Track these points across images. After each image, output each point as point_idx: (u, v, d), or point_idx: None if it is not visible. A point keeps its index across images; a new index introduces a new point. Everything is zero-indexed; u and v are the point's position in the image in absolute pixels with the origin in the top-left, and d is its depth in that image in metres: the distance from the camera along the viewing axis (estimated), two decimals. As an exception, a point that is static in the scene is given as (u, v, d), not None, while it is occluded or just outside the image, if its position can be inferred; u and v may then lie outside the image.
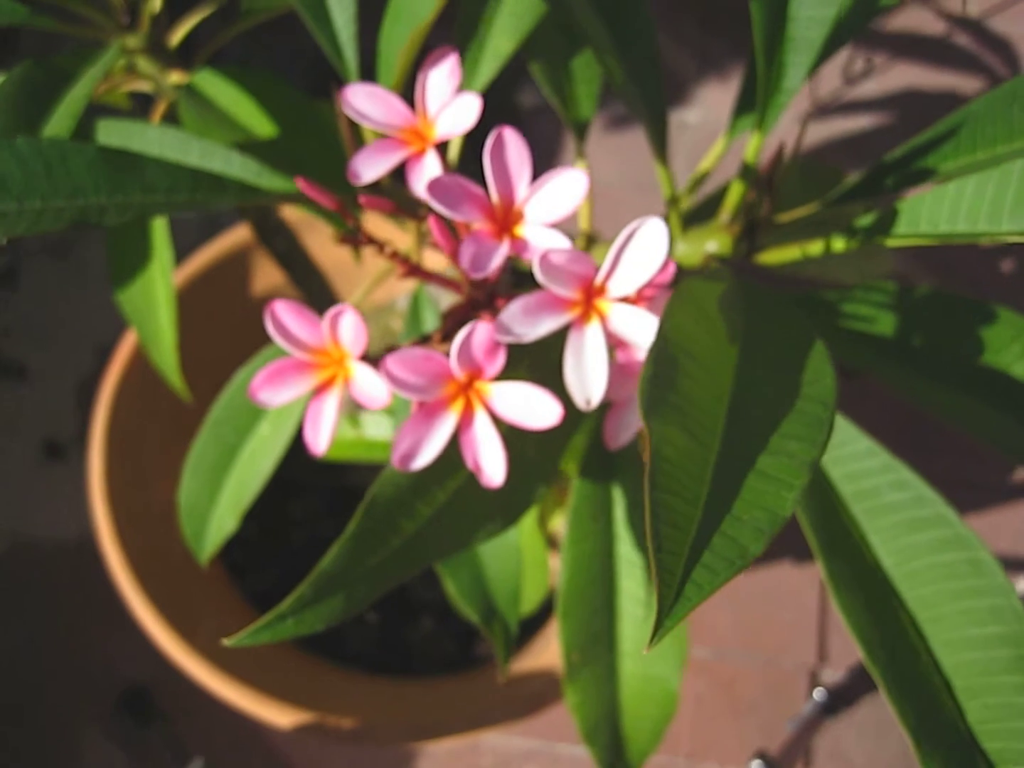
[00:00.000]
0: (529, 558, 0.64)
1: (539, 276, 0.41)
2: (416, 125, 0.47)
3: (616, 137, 1.36)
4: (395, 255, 0.50)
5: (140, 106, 0.83)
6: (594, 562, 0.64)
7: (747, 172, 0.56)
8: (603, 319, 0.43)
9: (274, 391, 0.47)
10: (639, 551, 0.64)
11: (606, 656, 0.64)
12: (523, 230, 0.44)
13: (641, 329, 0.42)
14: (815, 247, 0.54)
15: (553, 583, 1.00)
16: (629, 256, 0.42)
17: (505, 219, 0.44)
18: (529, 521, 0.67)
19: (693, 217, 0.63)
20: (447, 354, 0.43)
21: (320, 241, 0.93)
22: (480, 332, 0.42)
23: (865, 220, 0.52)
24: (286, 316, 0.46)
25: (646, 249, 0.42)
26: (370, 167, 0.45)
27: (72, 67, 0.69)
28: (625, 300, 0.43)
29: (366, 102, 0.46)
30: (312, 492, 1.09)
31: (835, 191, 0.59)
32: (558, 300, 0.42)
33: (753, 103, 0.59)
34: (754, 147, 0.55)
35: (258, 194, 0.54)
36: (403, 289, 0.75)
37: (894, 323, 0.60)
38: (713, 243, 0.57)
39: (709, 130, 1.37)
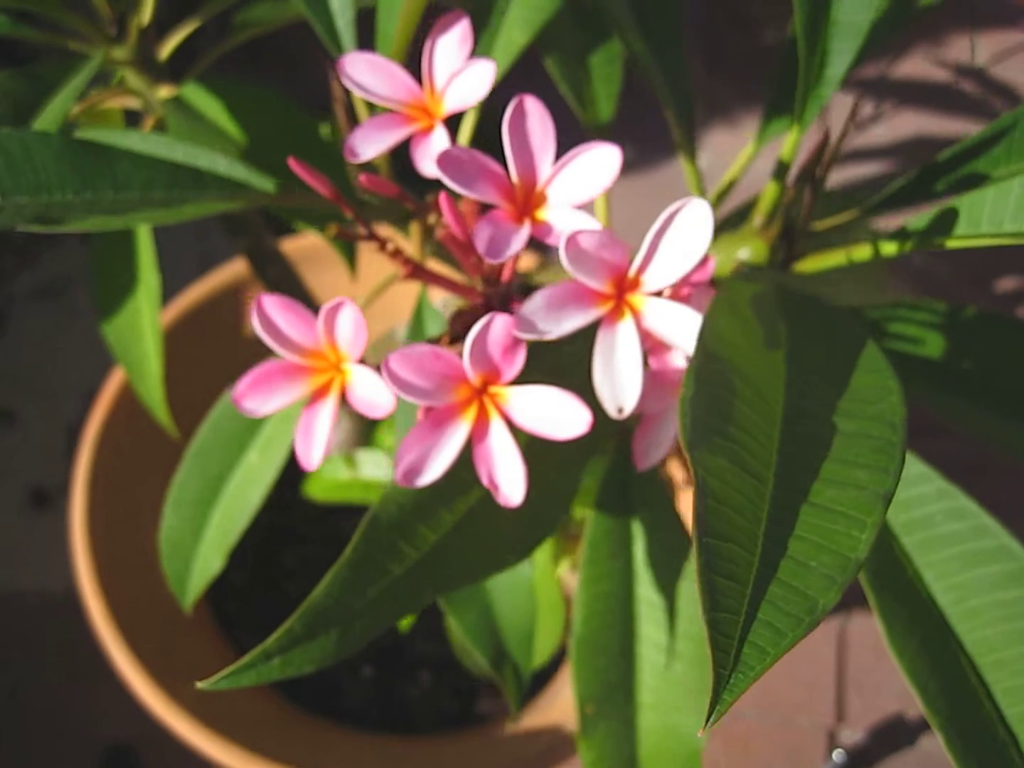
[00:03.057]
0: (543, 599, 0.57)
1: (566, 263, 0.35)
2: (422, 100, 0.41)
3: (637, 140, 1.31)
4: (397, 253, 0.44)
5: (130, 126, 0.78)
6: (611, 604, 0.57)
7: (783, 171, 0.50)
8: (636, 316, 0.37)
9: (261, 399, 0.41)
10: (660, 592, 0.58)
11: (624, 708, 0.57)
12: (546, 214, 0.38)
13: (681, 328, 0.36)
14: (862, 251, 0.48)
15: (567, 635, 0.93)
16: (668, 243, 0.36)
17: (526, 201, 0.38)
18: (543, 557, 0.60)
19: (720, 228, 0.57)
20: (459, 354, 0.37)
21: (316, 275, 0.87)
22: (498, 326, 0.36)
23: (919, 222, 0.47)
24: (275, 312, 0.40)
25: (687, 235, 0.36)
26: (369, 144, 0.40)
27: (54, 78, 0.64)
28: (660, 296, 0.37)
29: (366, 73, 0.41)
30: (307, 541, 1.03)
31: (877, 196, 0.53)
32: (587, 293, 0.36)
33: (784, 104, 0.54)
34: (791, 143, 0.49)
35: (243, 190, 0.48)
36: (403, 311, 0.69)
37: (943, 345, 0.54)
38: (745, 250, 0.52)
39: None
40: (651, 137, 1.23)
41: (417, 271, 0.45)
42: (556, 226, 0.37)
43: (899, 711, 1.09)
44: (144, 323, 0.73)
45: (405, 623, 0.86)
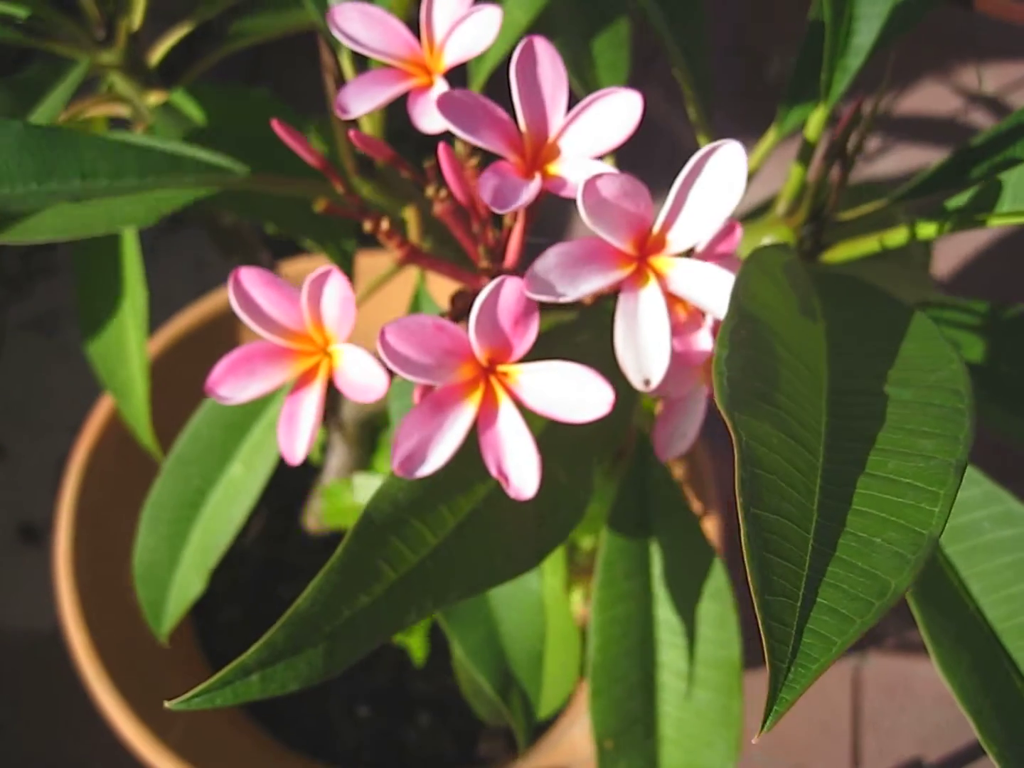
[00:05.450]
0: (554, 627, 0.52)
1: (584, 213, 0.30)
2: (421, 57, 0.36)
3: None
4: (392, 235, 0.39)
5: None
6: (629, 629, 0.52)
7: (808, 152, 0.46)
8: (661, 280, 0.32)
9: (239, 385, 0.36)
10: (681, 615, 0.52)
11: (644, 743, 0.51)
12: (559, 168, 0.33)
13: (712, 290, 0.31)
14: (897, 235, 0.43)
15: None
16: (697, 194, 0.31)
17: (536, 155, 0.33)
18: (554, 582, 0.55)
19: (741, 220, 0.52)
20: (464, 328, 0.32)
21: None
22: (509, 290, 0.31)
23: (959, 199, 0.42)
24: (255, 287, 0.35)
25: (718, 184, 0.31)
26: (362, 99, 0.35)
27: (39, 84, 0.60)
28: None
29: (359, 25, 0.36)
30: (304, 574, 0.96)
31: (907, 184, 0.48)
32: (607, 251, 0.31)
33: (807, 87, 0.49)
34: (818, 121, 0.45)
35: (222, 173, 0.43)
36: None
37: (983, 348, 0.49)
38: (769, 238, 0.47)
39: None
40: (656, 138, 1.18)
41: (414, 255, 0.40)
42: (571, 179, 0.32)
43: (917, 756, 1.03)
44: (130, 343, 0.69)
45: (420, 654, 0.80)
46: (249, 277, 0.35)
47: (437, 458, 0.32)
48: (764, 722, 0.21)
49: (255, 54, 1.26)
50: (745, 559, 0.22)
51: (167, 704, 0.32)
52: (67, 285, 1.19)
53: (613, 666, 0.50)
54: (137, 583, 0.56)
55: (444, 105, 0.31)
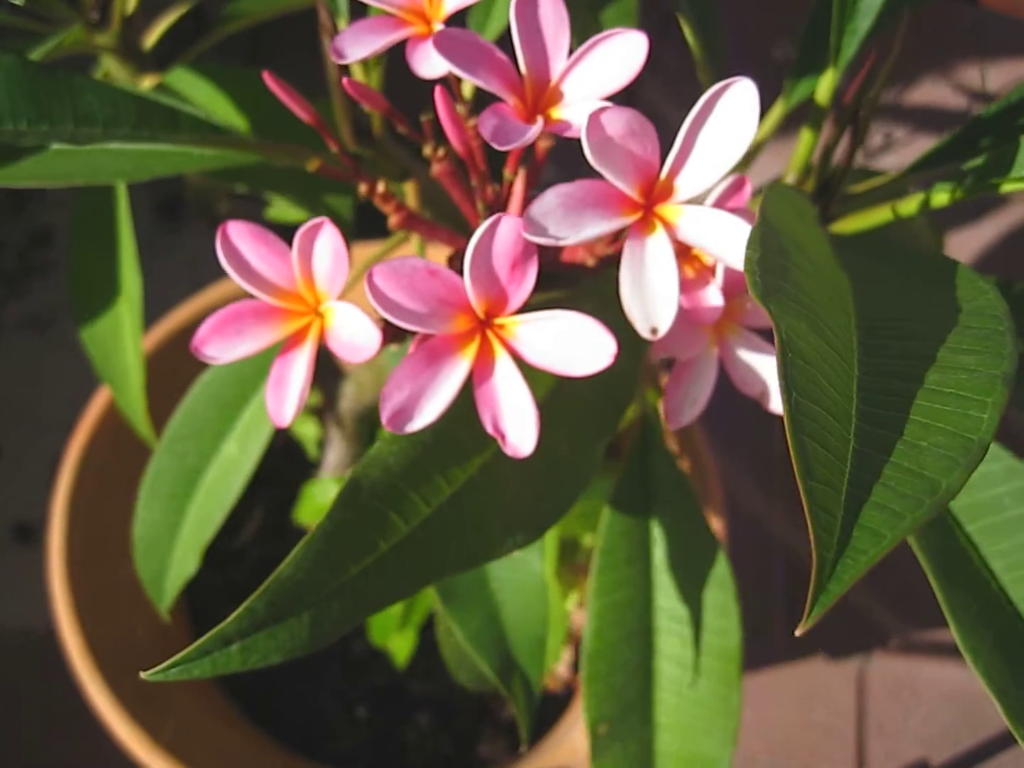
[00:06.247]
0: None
1: (589, 151, 0.28)
2: (420, 4, 0.35)
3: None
4: (389, 198, 0.37)
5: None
6: (628, 615, 0.50)
7: (818, 117, 0.44)
8: (669, 229, 0.30)
9: (226, 344, 0.34)
10: (683, 602, 0.50)
11: (640, 730, 0.49)
12: (562, 112, 0.31)
13: (725, 238, 0.29)
14: (910, 204, 0.42)
15: (563, 665, 0.85)
16: (706, 137, 0.29)
17: (537, 98, 0.31)
18: (547, 566, 0.52)
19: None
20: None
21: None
22: (505, 230, 0.29)
23: (974, 163, 0.40)
24: (244, 243, 0.33)
25: (729, 126, 0.29)
26: (358, 45, 0.33)
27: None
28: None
29: (354, -30, 0.34)
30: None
31: (918, 159, 0.46)
32: (611, 194, 0.29)
33: (816, 56, 0.47)
34: (827, 85, 0.43)
35: (218, 132, 0.42)
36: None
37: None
38: (779, 209, 0.45)
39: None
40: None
41: (411, 220, 0.38)
42: (575, 121, 0.30)
43: (923, 758, 1.00)
44: (125, 329, 0.67)
45: (403, 657, 0.78)
46: (238, 231, 0.33)
47: (429, 413, 0.30)
48: (808, 614, 0.20)
49: (254, 38, 1.25)
50: (789, 445, 0.21)
51: (143, 674, 0.30)
52: (64, 283, 1.17)
53: (610, 652, 0.48)
54: (137, 558, 0.54)
55: (441, 43, 0.29)
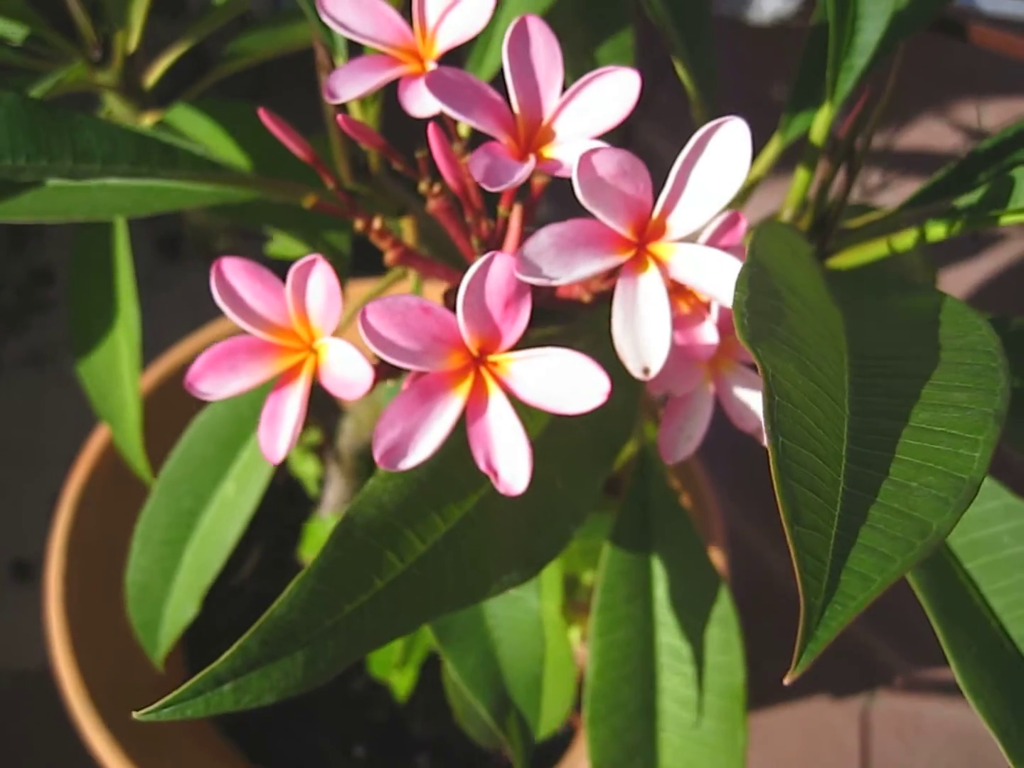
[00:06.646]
0: (552, 652, 0.49)
1: (580, 192, 0.28)
2: (413, 44, 0.35)
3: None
4: (385, 234, 0.37)
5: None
6: (630, 654, 0.49)
7: (813, 154, 0.44)
8: (663, 267, 0.30)
9: (220, 380, 0.34)
10: (685, 639, 0.50)
11: (646, 773, 0.48)
12: (554, 151, 0.31)
13: (718, 276, 0.29)
14: (905, 239, 0.42)
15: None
16: (698, 175, 0.30)
17: (530, 137, 0.31)
18: (551, 605, 0.52)
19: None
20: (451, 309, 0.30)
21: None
22: (499, 268, 0.29)
23: (970, 197, 0.40)
24: (238, 279, 0.33)
25: (721, 165, 0.29)
26: (351, 84, 0.33)
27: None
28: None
29: (349, 10, 0.34)
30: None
31: (914, 194, 0.46)
32: (604, 234, 0.29)
33: (812, 92, 0.47)
34: (823, 121, 0.43)
35: (215, 168, 0.42)
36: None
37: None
38: (775, 245, 0.45)
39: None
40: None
41: (407, 256, 0.38)
42: (566, 160, 0.30)
43: (929, 799, 0.99)
44: (123, 365, 0.67)
45: (404, 690, 0.77)
46: (232, 267, 0.33)
47: (423, 450, 0.30)
48: (796, 662, 0.19)
49: (258, 75, 1.26)
50: (776, 490, 0.20)
51: (135, 715, 0.30)
52: (64, 320, 1.17)
53: (613, 692, 0.48)
54: (130, 605, 0.54)
55: (433, 83, 0.30)
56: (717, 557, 0.76)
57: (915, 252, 0.54)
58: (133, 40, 0.63)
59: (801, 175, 0.44)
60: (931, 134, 1.26)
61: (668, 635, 0.50)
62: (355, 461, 0.83)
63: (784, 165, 0.51)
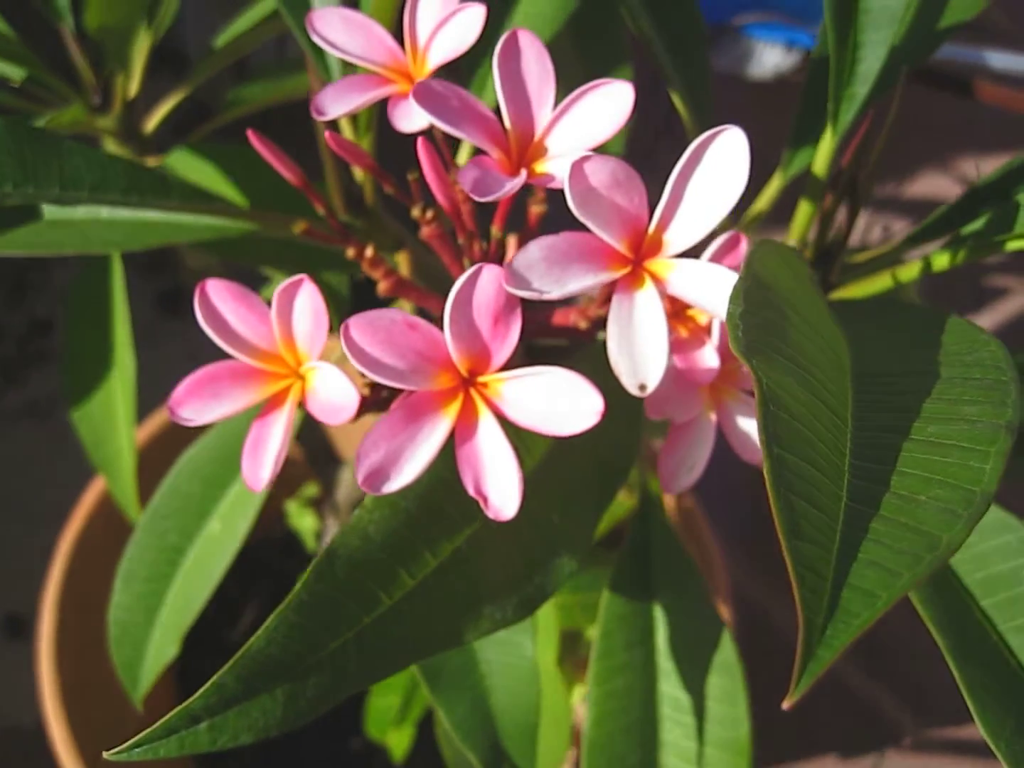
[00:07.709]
0: (548, 706, 0.47)
1: (572, 203, 0.27)
2: (404, 64, 0.34)
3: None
4: (378, 263, 0.36)
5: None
6: (629, 704, 0.47)
7: (817, 187, 0.43)
8: (660, 284, 0.29)
9: (202, 407, 0.33)
10: (687, 690, 0.48)
11: (648, 833, 0.46)
12: (546, 166, 0.30)
13: (718, 292, 0.28)
14: (910, 270, 0.41)
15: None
16: (695, 187, 0.29)
17: (522, 153, 0.30)
18: (548, 656, 0.50)
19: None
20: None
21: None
22: (487, 280, 0.27)
23: (974, 225, 0.39)
24: (222, 301, 0.32)
25: (719, 176, 0.28)
26: (339, 102, 0.32)
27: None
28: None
29: (339, 30, 0.34)
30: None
31: (918, 228, 0.45)
32: (597, 248, 0.28)
33: (813, 125, 0.47)
34: (825, 151, 0.42)
35: (207, 200, 0.41)
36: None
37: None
38: (777, 278, 0.44)
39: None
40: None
41: (401, 285, 0.37)
42: (559, 174, 0.29)
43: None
44: (118, 413, 0.66)
45: (401, 750, 0.75)
46: (217, 289, 0.32)
47: (408, 473, 0.28)
48: (796, 684, 0.18)
49: (263, 120, 1.26)
50: (771, 503, 0.19)
51: (106, 754, 0.28)
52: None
53: (611, 744, 0.46)
54: (111, 643, 0.52)
55: (421, 95, 0.29)
56: (721, 605, 0.74)
57: (916, 297, 0.53)
58: (134, 85, 0.63)
59: (804, 208, 0.43)
60: (932, 188, 1.26)
61: (669, 685, 0.48)
62: (352, 513, 0.82)
63: (786, 203, 0.50)
